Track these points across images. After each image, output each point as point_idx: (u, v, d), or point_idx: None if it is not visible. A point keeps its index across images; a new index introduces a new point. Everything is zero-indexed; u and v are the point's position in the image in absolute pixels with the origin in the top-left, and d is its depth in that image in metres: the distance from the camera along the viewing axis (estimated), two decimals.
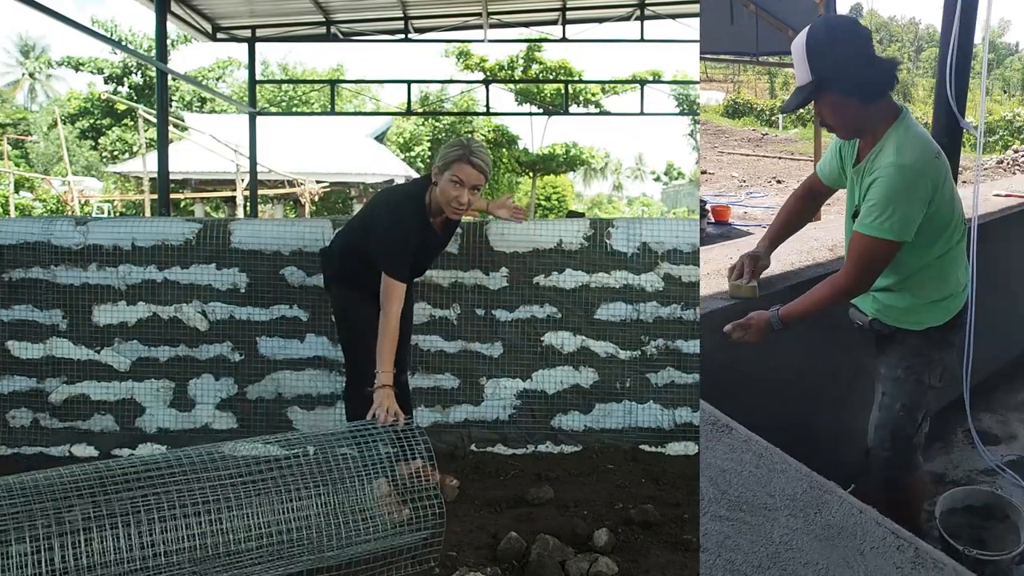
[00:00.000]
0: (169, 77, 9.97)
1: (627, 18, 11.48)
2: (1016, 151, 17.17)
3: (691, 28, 11.56)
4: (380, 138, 23.57)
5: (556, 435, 3.52)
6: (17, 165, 26.01)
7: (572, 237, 3.53)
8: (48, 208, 21.35)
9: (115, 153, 26.04)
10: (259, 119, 12.15)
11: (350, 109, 24.57)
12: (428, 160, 24.92)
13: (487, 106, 14.10)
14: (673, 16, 11.30)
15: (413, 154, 25.99)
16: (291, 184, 19.38)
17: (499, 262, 3.51)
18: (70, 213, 18.32)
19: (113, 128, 26.75)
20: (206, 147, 17.27)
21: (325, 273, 2.97)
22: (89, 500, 1.93)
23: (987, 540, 2.61)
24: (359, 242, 2.77)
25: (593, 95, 23.56)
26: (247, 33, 11.37)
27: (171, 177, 9.69)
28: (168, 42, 11.17)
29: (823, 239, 3.06)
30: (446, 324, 3.53)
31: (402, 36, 11.40)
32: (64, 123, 25.44)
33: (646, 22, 11.33)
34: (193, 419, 3.51)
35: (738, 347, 2.31)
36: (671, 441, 3.51)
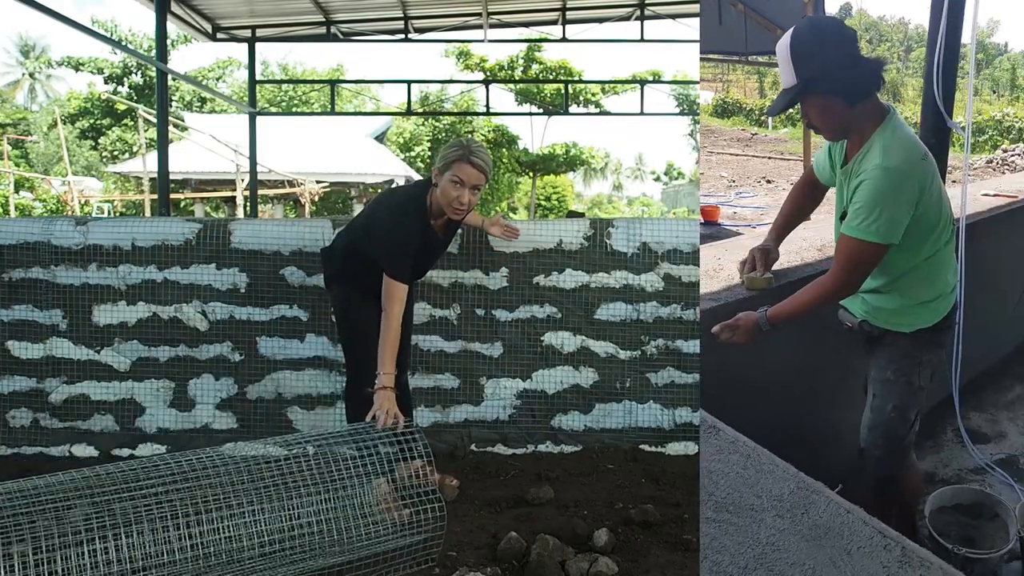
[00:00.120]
0: (169, 77, 9.97)
1: (627, 18, 11.48)
2: (1005, 151, 17.21)
3: (691, 28, 11.57)
4: (380, 138, 23.57)
5: (556, 435, 3.52)
6: (17, 165, 26.02)
7: (572, 237, 3.53)
8: (48, 208, 21.36)
9: (115, 153, 26.05)
10: (259, 119, 12.15)
11: (350, 109, 24.58)
12: (428, 160, 24.93)
13: (487, 106, 14.10)
14: (673, 16, 11.30)
15: (413, 154, 25.99)
16: (291, 184, 19.38)
17: (499, 262, 3.51)
18: (70, 213, 18.32)
19: (113, 128, 26.76)
20: (206, 147, 17.27)
21: (326, 272, 2.97)
22: (90, 504, 1.94)
23: (976, 538, 2.62)
24: (360, 243, 2.77)
25: (593, 95, 23.57)
26: (247, 33, 11.37)
27: (171, 177, 9.69)
28: (168, 42, 11.17)
29: (812, 239, 3.06)
30: (446, 324, 3.53)
31: (402, 36, 11.40)
32: (64, 123, 25.44)
33: (646, 22, 11.33)
34: (193, 419, 3.51)
35: (728, 348, 2.31)
36: (671, 441, 3.51)
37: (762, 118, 21.49)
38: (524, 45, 22.12)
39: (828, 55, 2.04)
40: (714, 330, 2.30)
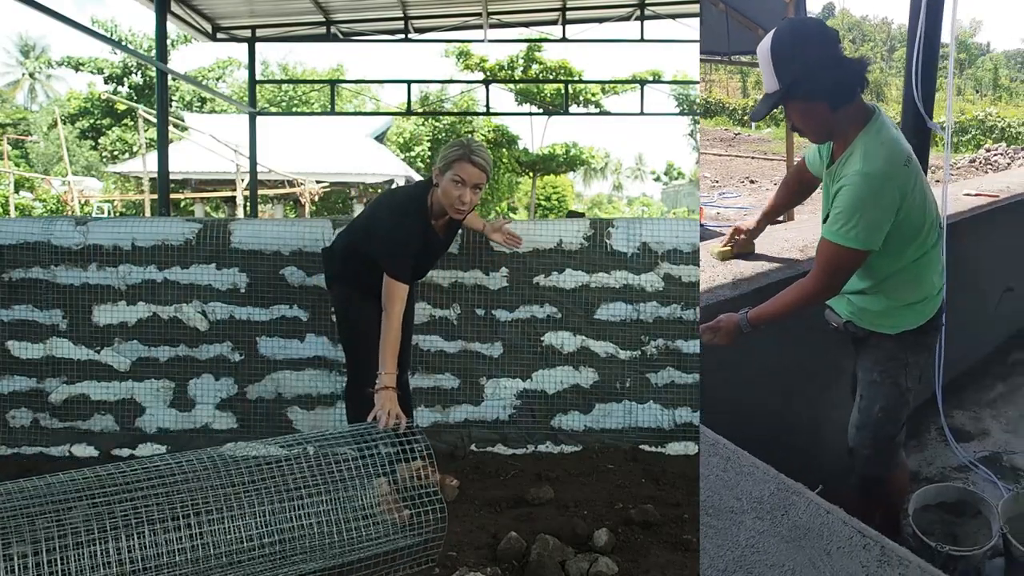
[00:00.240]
0: (169, 77, 9.97)
1: (627, 18, 11.48)
2: (988, 150, 17.29)
3: (691, 28, 11.57)
4: (380, 138, 23.57)
5: (556, 435, 3.52)
6: (17, 165, 26.02)
7: (572, 237, 3.53)
8: (48, 208, 21.36)
9: (115, 153, 26.06)
10: (259, 119, 12.15)
11: (350, 109, 24.57)
12: (428, 160, 24.93)
13: (487, 106, 14.09)
14: (673, 16, 11.31)
15: (413, 154, 26.00)
16: (291, 184, 19.38)
17: (499, 262, 3.51)
18: (70, 213, 18.32)
19: (113, 128, 26.77)
20: (206, 147, 17.27)
21: (327, 272, 2.97)
22: (90, 505, 1.94)
23: (960, 536, 2.63)
24: (361, 243, 2.77)
25: (593, 95, 23.57)
26: (247, 33, 11.37)
27: (171, 177, 9.69)
28: (168, 42, 11.17)
29: (794, 240, 3.05)
30: (446, 324, 3.53)
31: (402, 36, 11.40)
32: (64, 123, 25.44)
33: (646, 22, 11.33)
34: (193, 419, 3.51)
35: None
36: (671, 441, 3.51)
37: (746, 117, 21.51)
38: (524, 45, 22.12)
39: (809, 59, 2.01)
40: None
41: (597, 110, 23.67)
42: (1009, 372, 4.43)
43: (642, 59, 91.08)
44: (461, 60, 23.96)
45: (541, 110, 24.09)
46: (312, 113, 25.75)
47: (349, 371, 2.89)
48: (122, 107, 25.39)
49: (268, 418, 3.51)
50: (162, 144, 8.80)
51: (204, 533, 2.04)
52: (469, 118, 26.98)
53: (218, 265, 3.49)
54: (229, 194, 18.77)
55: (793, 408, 2.93)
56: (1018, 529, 2.55)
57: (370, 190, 20.41)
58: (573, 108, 22.72)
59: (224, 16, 10.74)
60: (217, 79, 29.37)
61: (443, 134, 26.27)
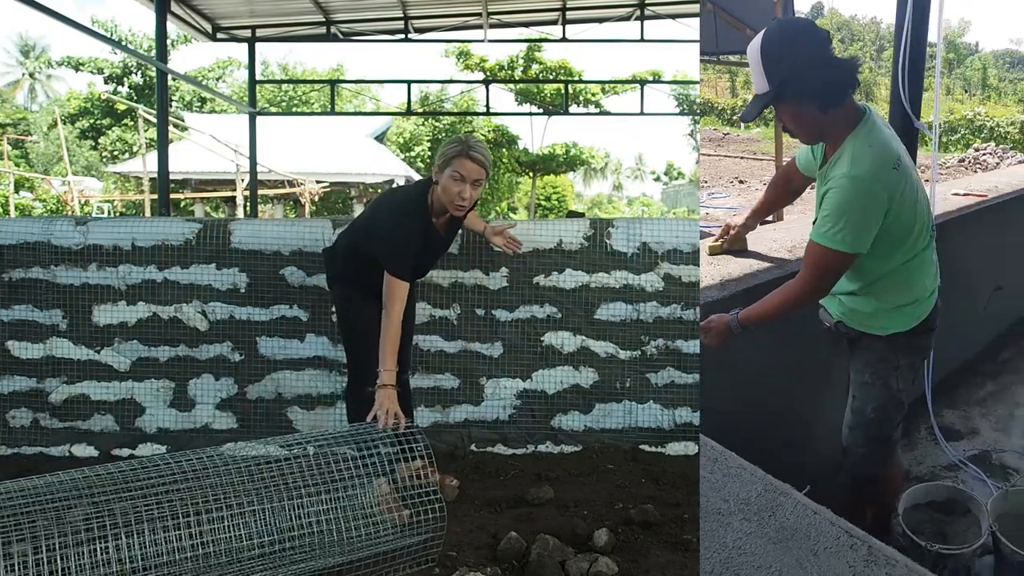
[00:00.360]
0: (169, 77, 9.97)
1: (627, 18, 11.48)
2: (977, 149, 17.33)
3: (691, 28, 11.57)
4: (380, 138, 23.57)
5: (556, 435, 3.52)
6: (17, 165, 26.02)
7: (572, 237, 3.53)
8: (48, 208, 21.36)
9: (115, 153, 26.05)
10: (259, 119, 12.15)
11: (350, 109, 24.57)
12: (428, 160, 24.93)
13: (487, 106, 14.09)
14: (673, 16, 11.30)
15: (413, 154, 26.00)
16: (291, 184, 19.38)
17: (499, 262, 3.51)
18: (70, 213, 18.32)
19: (113, 128, 26.77)
20: (206, 147, 17.27)
21: (328, 273, 2.97)
22: (90, 504, 1.94)
23: (949, 534, 2.64)
24: (361, 244, 2.78)
25: (593, 95, 23.56)
26: (247, 33, 11.36)
27: (171, 177, 9.69)
28: (168, 42, 11.17)
29: (782, 240, 3.05)
30: (446, 324, 3.53)
31: (402, 36, 11.39)
32: (64, 123, 25.44)
33: (646, 22, 11.32)
34: (193, 419, 3.51)
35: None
36: (671, 441, 3.51)
37: (735, 117, 21.51)
38: (524, 45, 22.11)
39: (799, 60, 2.00)
40: None
41: (597, 110, 23.66)
42: (999, 371, 4.46)
43: (642, 59, 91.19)
44: (461, 60, 23.96)
45: (541, 110, 24.09)
46: (312, 113, 25.75)
47: (350, 371, 2.89)
48: (122, 107, 25.39)
49: (268, 418, 3.51)
50: (162, 144, 8.80)
51: (204, 533, 2.04)
52: (469, 118, 26.98)
53: (218, 265, 3.49)
54: (229, 194, 18.77)
55: (794, 408, 2.93)
56: (1007, 527, 2.57)
57: (370, 190, 20.41)
58: (573, 108, 22.71)
59: (224, 16, 10.74)
60: (217, 79, 29.37)
61: (443, 134, 26.26)
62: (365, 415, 2.47)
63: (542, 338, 3.54)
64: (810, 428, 2.97)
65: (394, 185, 17.97)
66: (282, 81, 29.41)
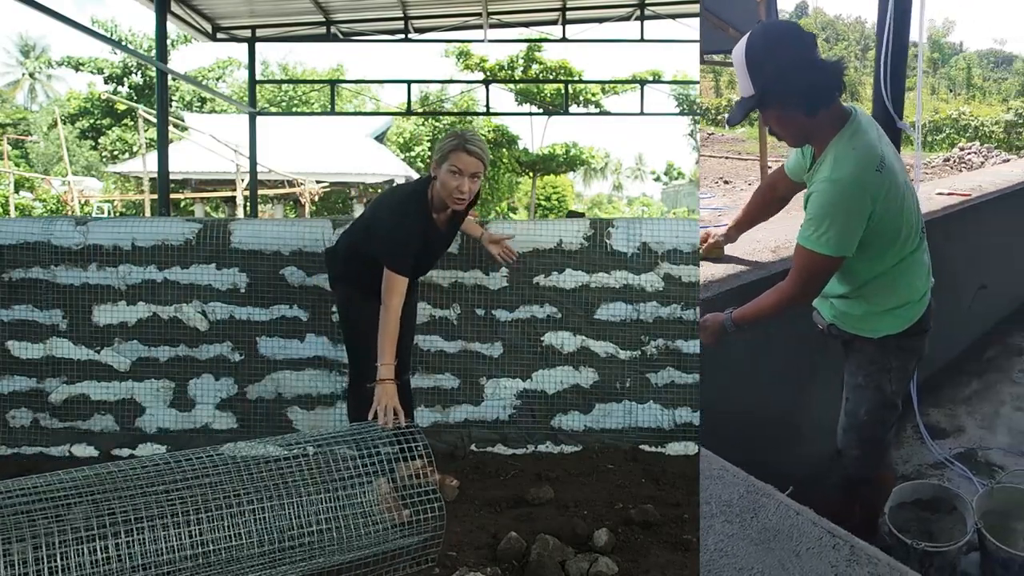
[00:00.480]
0: (169, 77, 9.96)
1: (627, 18, 11.48)
2: (962, 149, 17.37)
3: (691, 28, 11.57)
4: (380, 138, 23.57)
5: (556, 435, 3.52)
6: (17, 165, 26.02)
7: (572, 237, 3.53)
8: (48, 208, 21.36)
9: (115, 153, 26.05)
10: (259, 119, 12.15)
11: (350, 109, 24.57)
12: (428, 160, 24.86)
13: (487, 106, 14.10)
14: (673, 16, 11.31)
15: (413, 154, 26.00)
16: (291, 184, 19.38)
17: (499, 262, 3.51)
18: (70, 213, 18.32)
19: (113, 128, 26.77)
20: (206, 147, 17.27)
21: (330, 273, 2.98)
22: (90, 504, 1.94)
23: (935, 533, 2.65)
24: (362, 244, 2.78)
25: (593, 95, 23.56)
26: (247, 33, 11.37)
27: (171, 177, 9.69)
28: (168, 42, 11.17)
29: (765, 240, 3.05)
30: (446, 324, 3.53)
31: (402, 36, 11.40)
32: (64, 123, 25.44)
33: (646, 22, 11.33)
34: (193, 419, 3.51)
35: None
36: (671, 441, 3.51)
37: (719, 117, 21.49)
38: (524, 45, 22.11)
39: (784, 64, 1.98)
40: None
41: (597, 110, 23.66)
42: (984, 369, 4.49)
43: (642, 59, 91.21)
44: (461, 60, 23.96)
45: (541, 110, 24.09)
46: (312, 113, 25.75)
47: (351, 370, 2.90)
48: (122, 107, 25.39)
49: (268, 418, 3.51)
50: (162, 144, 8.81)
51: (204, 533, 2.04)
52: (469, 118, 26.97)
53: (218, 265, 3.49)
54: (229, 194, 18.77)
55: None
56: (992, 523, 2.58)
57: (370, 190, 20.41)
58: (573, 108, 22.71)
59: (224, 16, 10.74)
60: (217, 79, 29.37)
61: (443, 134, 26.20)
62: (366, 415, 2.47)
63: (542, 338, 3.54)
64: (807, 429, 2.97)
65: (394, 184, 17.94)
66: (282, 81, 29.41)
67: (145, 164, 17.17)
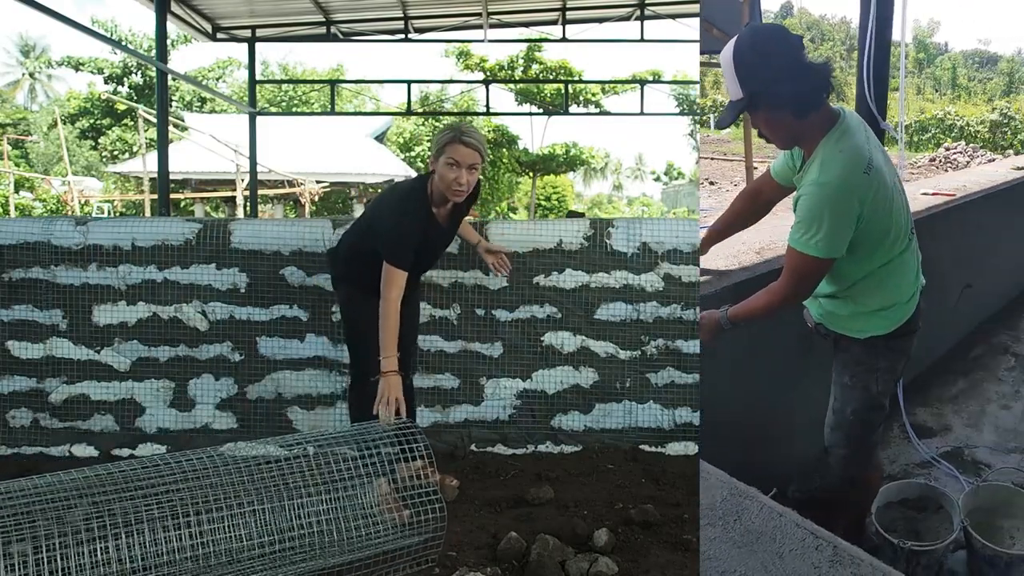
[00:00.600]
0: (169, 77, 9.96)
1: (627, 18, 11.48)
2: (948, 148, 17.39)
3: (691, 28, 11.57)
4: (380, 138, 23.57)
5: (556, 435, 3.52)
6: (17, 165, 26.02)
7: (572, 237, 3.53)
8: (48, 208, 21.36)
9: (115, 153, 26.05)
10: (259, 119, 12.15)
11: (350, 109, 24.57)
12: (428, 160, 24.89)
13: (487, 106, 14.10)
14: (673, 16, 11.30)
15: (413, 154, 26.00)
16: (291, 184, 19.38)
17: None
18: (70, 213, 18.32)
19: (113, 128, 26.77)
20: (206, 147, 17.27)
21: (333, 273, 2.99)
22: (90, 504, 1.94)
23: (922, 531, 2.65)
24: (363, 242, 2.78)
25: (593, 95, 23.55)
26: (247, 33, 11.36)
27: (171, 177, 9.69)
28: (168, 42, 11.17)
29: (750, 242, 3.05)
30: (446, 324, 3.53)
31: (402, 36, 11.39)
32: (64, 123, 25.44)
33: (646, 22, 11.33)
34: (193, 419, 3.51)
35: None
36: (671, 441, 3.51)
37: (704, 117, 21.47)
38: (524, 45, 22.10)
39: (772, 67, 1.99)
40: None
41: (597, 110, 23.65)
42: (969, 368, 4.51)
43: (642, 59, 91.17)
44: (461, 60, 23.95)
45: (541, 110, 24.08)
46: (312, 113, 25.75)
47: (352, 369, 2.90)
48: (122, 107, 25.39)
49: (268, 418, 3.51)
50: (162, 144, 8.80)
51: (204, 533, 2.04)
52: (469, 118, 26.97)
53: (218, 265, 3.49)
54: (229, 194, 18.77)
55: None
56: (979, 521, 2.59)
57: (370, 190, 20.41)
58: (573, 108, 22.69)
59: (224, 16, 10.74)
60: (217, 79, 29.37)
61: None
62: (367, 415, 2.47)
63: (542, 338, 3.54)
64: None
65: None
66: (282, 81, 29.41)
67: (145, 164, 17.17)
